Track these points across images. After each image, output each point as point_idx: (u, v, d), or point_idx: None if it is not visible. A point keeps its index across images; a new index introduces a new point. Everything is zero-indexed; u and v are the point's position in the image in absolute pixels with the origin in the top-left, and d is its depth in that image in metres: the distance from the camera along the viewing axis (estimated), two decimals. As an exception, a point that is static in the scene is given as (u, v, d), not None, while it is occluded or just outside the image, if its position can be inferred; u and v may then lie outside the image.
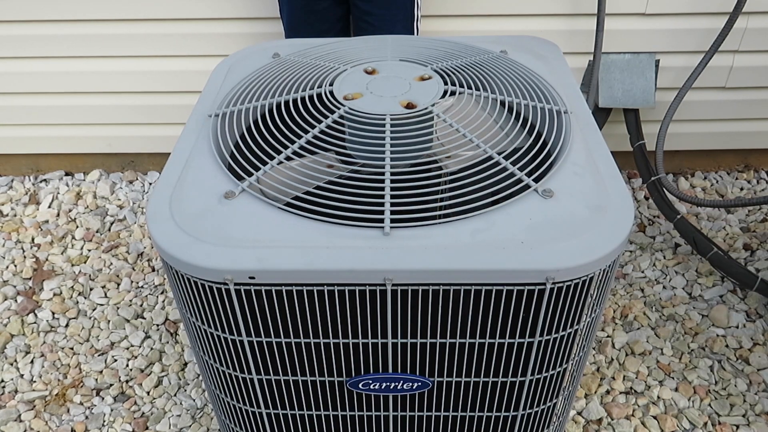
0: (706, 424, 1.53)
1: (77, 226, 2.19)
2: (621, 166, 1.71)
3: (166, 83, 2.19)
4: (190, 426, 1.56)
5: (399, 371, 0.91)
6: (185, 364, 1.70)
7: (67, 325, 1.83)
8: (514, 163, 0.90)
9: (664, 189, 1.97)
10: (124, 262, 2.03)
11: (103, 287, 1.94)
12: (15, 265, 2.03)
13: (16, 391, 1.66)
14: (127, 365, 1.71)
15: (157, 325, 1.82)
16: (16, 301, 1.91)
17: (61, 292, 1.93)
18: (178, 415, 1.58)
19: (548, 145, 0.97)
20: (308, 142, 0.94)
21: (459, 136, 0.94)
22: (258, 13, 2.02)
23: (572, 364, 0.94)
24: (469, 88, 1.05)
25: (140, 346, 1.76)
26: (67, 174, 2.45)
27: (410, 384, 0.92)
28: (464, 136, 0.94)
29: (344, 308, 0.82)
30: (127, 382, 1.67)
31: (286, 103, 1.03)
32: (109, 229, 2.17)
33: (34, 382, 1.68)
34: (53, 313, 1.86)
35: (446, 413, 0.98)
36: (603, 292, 0.87)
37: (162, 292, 1.92)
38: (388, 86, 1.04)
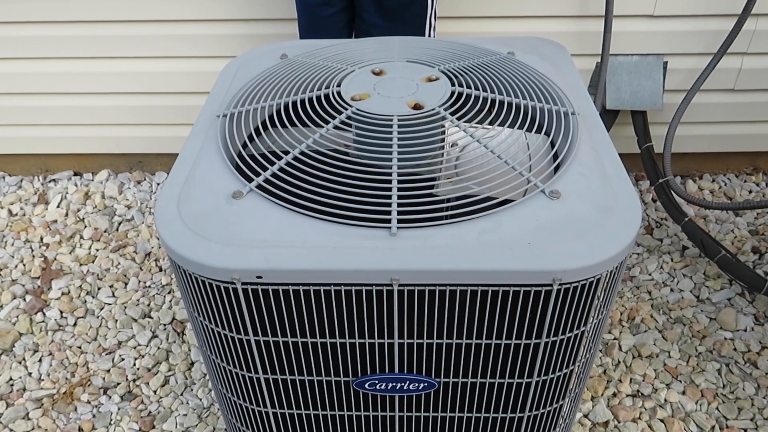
0: (713, 427, 1.52)
1: (85, 226, 2.20)
2: (628, 168, 1.71)
3: (175, 84, 2.20)
4: (196, 425, 1.56)
5: (405, 372, 0.91)
6: (192, 364, 1.71)
7: (74, 324, 1.84)
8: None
9: (672, 191, 1.96)
10: (131, 262, 2.04)
11: (111, 287, 1.95)
12: (24, 264, 2.04)
13: (24, 389, 1.67)
14: (135, 364, 1.72)
15: (164, 325, 1.82)
16: (24, 299, 1.92)
17: (69, 291, 1.94)
18: (185, 415, 1.59)
19: (555, 146, 0.97)
20: (316, 142, 0.94)
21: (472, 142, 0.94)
22: (266, 15, 2.03)
23: (579, 366, 0.94)
24: (476, 89, 1.05)
25: (147, 346, 1.76)
26: (75, 174, 2.47)
27: (416, 384, 0.92)
28: (478, 142, 0.94)
29: (351, 308, 0.82)
30: (134, 381, 1.68)
31: (294, 103, 1.03)
32: (117, 229, 2.19)
33: (42, 380, 1.69)
34: (61, 312, 1.87)
35: (452, 414, 0.98)
36: (610, 294, 0.87)
37: (169, 292, 1.93)
38: (395, 87, 1.04)
